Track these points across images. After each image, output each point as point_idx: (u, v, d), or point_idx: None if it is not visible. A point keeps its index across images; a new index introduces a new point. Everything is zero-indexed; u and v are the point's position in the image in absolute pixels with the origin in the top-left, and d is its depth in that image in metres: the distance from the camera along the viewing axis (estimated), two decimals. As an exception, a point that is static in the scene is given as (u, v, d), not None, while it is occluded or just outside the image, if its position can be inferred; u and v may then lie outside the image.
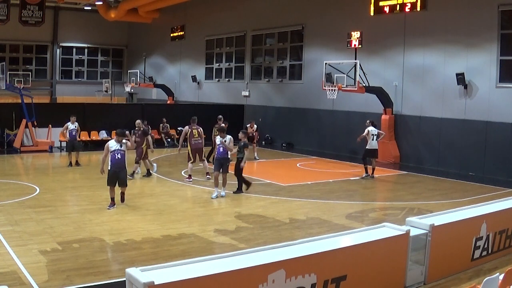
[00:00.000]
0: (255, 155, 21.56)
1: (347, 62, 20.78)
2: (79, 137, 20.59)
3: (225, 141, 13.80)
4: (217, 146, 13.96)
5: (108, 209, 12.08)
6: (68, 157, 18.74)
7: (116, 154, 12.14)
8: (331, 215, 12.35)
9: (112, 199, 12.29)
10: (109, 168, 12.21)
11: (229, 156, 13.89)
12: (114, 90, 36.93)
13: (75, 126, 18.84)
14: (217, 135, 14.56)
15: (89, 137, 24.86)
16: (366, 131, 17.54)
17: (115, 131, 13.35)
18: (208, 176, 16.29)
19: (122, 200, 12.59)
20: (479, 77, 18.77)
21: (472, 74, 18.91)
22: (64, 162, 19.43)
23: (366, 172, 17.62)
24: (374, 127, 17.77)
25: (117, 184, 12.31)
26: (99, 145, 24.39)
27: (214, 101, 31.19)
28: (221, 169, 13.79)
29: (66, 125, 18.77)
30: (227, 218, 11.75)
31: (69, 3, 35.51)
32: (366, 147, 17.58)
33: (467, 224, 8.42)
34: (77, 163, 18.69)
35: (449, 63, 19.64)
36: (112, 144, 12.23)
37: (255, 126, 21.92)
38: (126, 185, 12.57)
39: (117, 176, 12.23)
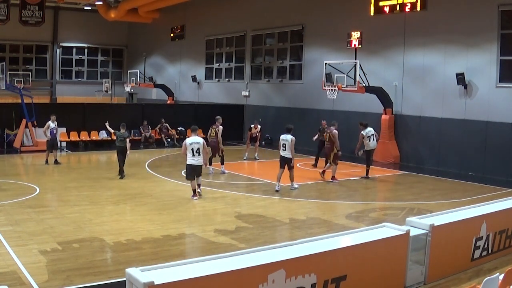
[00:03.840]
0: (256, 155, 21.57)
1: (347, 62, 20.78)
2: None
3: (287, 140, 14.68)
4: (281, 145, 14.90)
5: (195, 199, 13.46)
6: (46, 155, 18.94)
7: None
8: (331, 215, 12.36)
9: (194, 190, 13.59)
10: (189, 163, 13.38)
11: (291, 156, 14.68)
12: (114, 90, 36.91)
13: (55, 125, 19.03)
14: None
15: (89, 137, 24.84)
16: (361, 135, 17.47)
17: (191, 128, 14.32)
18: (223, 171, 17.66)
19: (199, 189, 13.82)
20: (479, 77, 18.77)
21: (472, 74, 18.91)
22: (64, 161, 19.44)
23: (367, 174, 17.61)
24: (366, 127, 17.65)
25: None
26: (99, 145, 24.48)
27: (214, 101, 31.19)
28: (286, 166, 14.87)
29: (47, 123, 18.78)
30: (227, 218, 11.74)
31: (69, 3, 35.50)
32: (366, 149, 17.54)
33: (467, 224, 8.42)
34: (56, 162, 18.80)
35: (449, 63, 19.64)
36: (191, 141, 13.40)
37: (259, 127, 21.92)
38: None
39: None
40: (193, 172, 13.46)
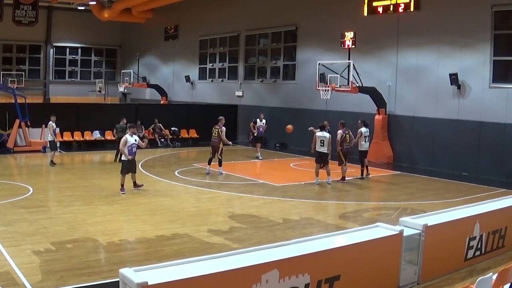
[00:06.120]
0: (258, 154, 21.75)
1: (341, 63, 20.80)
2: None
3: (325, 137, 16.09)
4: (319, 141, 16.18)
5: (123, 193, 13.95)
6: (51, 156, 18.86)
7: (133, 148, 14.12)
8: (325, 215, 12.38)
9: (122, 185, 14.11)
10: (125, 159, 14.19)
11: (328, 151, 16.09)
12: (108, 90, 36.81)
13: (56, 126, 18.96)
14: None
15: (83, 137, 24.76)
16: (359, 132, 17.49)
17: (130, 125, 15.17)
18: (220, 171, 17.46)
19: (135, 185, 14.49)
20: (473, 78, 18.84)
21: (466, 74, 18.98)
22: (57, 161, 19.35)
23: (362, 174, 17.63)
24: (366, 126, 17.72)
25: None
26: (93, 145, 24.43)
27: (207, 101, 31.16)
28: (322, 162, 16.22)
29: (51, 124, 18.64)
30: (220, 218, 11.74)
31: (62, 3, 35.37)
32: (359, 149, 17.52)
33: (460, 224, 8.45)
34: (52, 163, 18.72)
35: (443, 64, 19.71)
36: (130, 139, 14.06)
37: (264, 120, 22.02)
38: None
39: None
40: (129, 168, 14.27)
